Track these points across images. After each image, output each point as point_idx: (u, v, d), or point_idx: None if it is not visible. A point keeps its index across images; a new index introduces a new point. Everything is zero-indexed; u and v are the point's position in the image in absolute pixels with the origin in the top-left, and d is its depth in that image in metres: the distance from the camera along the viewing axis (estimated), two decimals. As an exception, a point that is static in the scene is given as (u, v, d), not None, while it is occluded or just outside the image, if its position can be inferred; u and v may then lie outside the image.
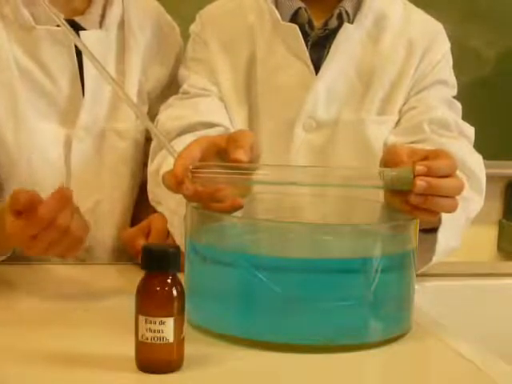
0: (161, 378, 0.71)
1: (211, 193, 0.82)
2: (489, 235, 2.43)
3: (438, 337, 0.85)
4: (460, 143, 1.11)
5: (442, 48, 1.19)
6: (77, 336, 0.81)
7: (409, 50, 1.16)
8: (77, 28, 1.13)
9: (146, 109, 1.22)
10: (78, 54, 1.14)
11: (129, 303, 0.73)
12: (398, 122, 1.15)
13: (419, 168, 0.83)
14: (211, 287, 0.83)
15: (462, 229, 1.02)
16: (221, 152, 0.86)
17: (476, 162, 1.10)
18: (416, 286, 0.86)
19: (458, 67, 1.21)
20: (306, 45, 1.13)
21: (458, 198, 0.87)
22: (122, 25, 1.20)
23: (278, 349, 0.77)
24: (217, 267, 0.83)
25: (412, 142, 1.10)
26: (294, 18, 1.15)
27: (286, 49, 1.14)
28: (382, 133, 1.14)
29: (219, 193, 0.82)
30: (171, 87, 1.22)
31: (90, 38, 1.12)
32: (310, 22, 1.14)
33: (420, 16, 1.21)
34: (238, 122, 1.14)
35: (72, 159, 1.15)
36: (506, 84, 2.40)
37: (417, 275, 0.86)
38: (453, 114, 1.16)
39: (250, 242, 0.84)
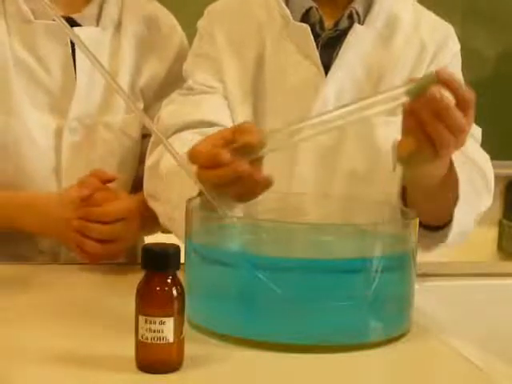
0: (161, 378, 0.71)
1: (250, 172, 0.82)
2: (489, 235, 2.43)
3: (437, 337, 0.85)
4: (469, 142, 1.10)
5: (452, 49, 1.19)
6: (77, 336, 0.81)
7: (420, 51, 1.15)
8: (73, 25, 1.16)
9: (140, 105, 1.23)
10: (73, 48, 1.17)
11: (129, 303, 0.73)
12: None
13: (443, 73, 0.84)
14: (211, 287, 0.83)
15: (474, 216, 1.04)
16: (228, 144, 0.85)
17: (484, 161, 1.10)
18: (416, 286, 0.86)
19: (457, 67, 1.21)
20: (317, 45, 1.12)
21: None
22: (119, 25, 1.23)
23: (278, 349, 0.77)
24: (217, 267, 0.83)
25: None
26: (305, 18, 1.13)
27: (295, 48, 1.13)
28: (390, 134, 1.13)
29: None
30: (171, 86, 1.23)
31: (82, 34, 1.10)
32: (320, 23, 1.13)
33: (430, 17, 1.20)
34: (242, 121, 1.13)
35: (63, 150, 1.18)
36: (506, 84, 2.40)
37: (417, 275, 0.86)
38: None
39: (250, 241, 0.84)
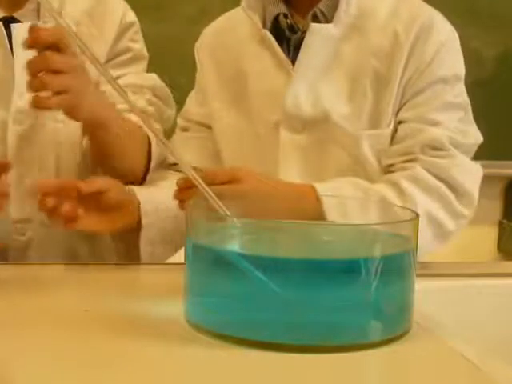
0: (160, 378, 0.71)
1: None
2: (489, 235, 2.44)
3: (437, 337, 0.85)
4: (449, 161, 1.11)
5: (438, 39, 1.15)
6: (76, 336, 0.81)
7: (393, 41, 1.15)
8: (14, 22, 1.23)
9: None
10: (11, 47, 1.24)
11: (128, 303, 0.73)
12: (394, 131, 1.15)
13: None
14: (211, 287, 0.83)
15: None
16: None
17: (465, 177, 1.11)
18: (416, 286, 0.86)
19: (457, 67, 1.21)
20: (289, 48, 1.17)
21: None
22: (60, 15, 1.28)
23: (278, 349, 0.77)
24: (217, 267, 0.83)
25: (403, 162, 1.12)
26: (276, 24, 1.18)
27: (270, 54, 1.18)
28: (373, 145, 1.15)
29: None
30: (111, 63, 1.27)
31: (22, 31, 1.20)
32: (290, 27, 1.17)
33: (412, 5, 1.19)
34: (227, 128, 1.20)
35: (9, 140, 1.24)
36: (505, 84, 2.41)
37: (417, 275, 0.86)
38: (452, 116, 1.15)
39: (250, 241, 0.84)
